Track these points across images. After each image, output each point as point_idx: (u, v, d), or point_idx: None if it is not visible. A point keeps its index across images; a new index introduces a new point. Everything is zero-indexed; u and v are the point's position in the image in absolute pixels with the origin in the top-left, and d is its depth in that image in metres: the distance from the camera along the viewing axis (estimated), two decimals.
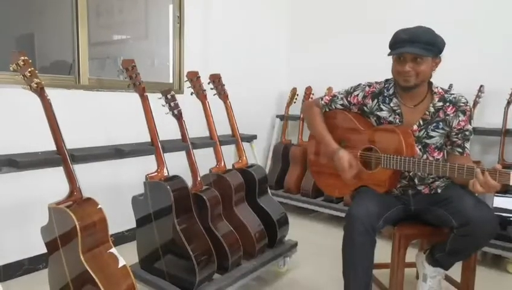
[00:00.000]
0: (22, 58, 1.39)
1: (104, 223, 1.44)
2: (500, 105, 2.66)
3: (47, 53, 4.37)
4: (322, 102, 1.90)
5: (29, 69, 1.41)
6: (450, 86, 2.82)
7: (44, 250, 1.49)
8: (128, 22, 4.16)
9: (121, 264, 1.47)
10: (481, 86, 2.77)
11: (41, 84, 1.44)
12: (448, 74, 2.33)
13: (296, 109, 3.59)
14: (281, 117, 3.77)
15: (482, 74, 2.80)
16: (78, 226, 1.35)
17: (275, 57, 3.94)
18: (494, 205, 2.41)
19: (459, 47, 2.66)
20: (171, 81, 3.07)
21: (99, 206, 1.46)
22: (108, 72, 4.01)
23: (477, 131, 2.69)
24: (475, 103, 2.75)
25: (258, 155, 2.72)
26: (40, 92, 1.45)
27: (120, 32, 4.21)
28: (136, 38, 4.19)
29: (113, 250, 1.46)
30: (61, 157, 1.46)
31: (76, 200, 1.46)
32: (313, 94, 3.55)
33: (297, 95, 3.66)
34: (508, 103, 2.63)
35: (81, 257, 1.35)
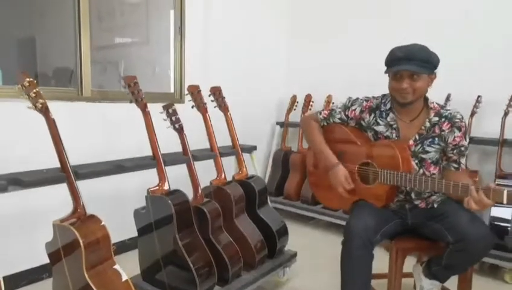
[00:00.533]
0: (27, 79, 1.43)
1: (107, 240, 1.48)
2: (497, 115, 2.68)
3: (48, 56, 4.40)
4: (321, 116, 1.92)
5: (35, 90, 1.44)
6: (449, 96, 2.85)
7: (48, 260, 1.53)
8: (130, 26, 4.18)
9: (123, 279, 1.51)
10: (479, 96, 2.80)
11: (46, 104, 1.48)
12: (446, 84, 2.35)
13: (295, 116, 3.62)
14: (281, 124, 3.80)
15: (479, 84, 2.83)
16: (82, 244, 1.39)
17: (275, 58, 3.95)
18: (492, 215, 2.44)
19: (457, 57, 2.70)
20: (172, 90, 3.09)
21: (103, 223, 1.49)
22: (110, 76, 4.04)
23: (475, 141, 2.73)
24: (473, 113, 2.78)
25: (258, 162, 2.74)
26: (44, 111, 1.48)
27: (122, 35, 4.24)
28: (138, 44, 4.22)
29: (117, 266, 1.49)
30: (65, 175, 1.50)
31: (80, 217, 1.49)
32: (312, 102, 3.58)
33: (297, 102, 3.69)
34: (505, 113, 2.65)
35: (85, 273, 1.39)
